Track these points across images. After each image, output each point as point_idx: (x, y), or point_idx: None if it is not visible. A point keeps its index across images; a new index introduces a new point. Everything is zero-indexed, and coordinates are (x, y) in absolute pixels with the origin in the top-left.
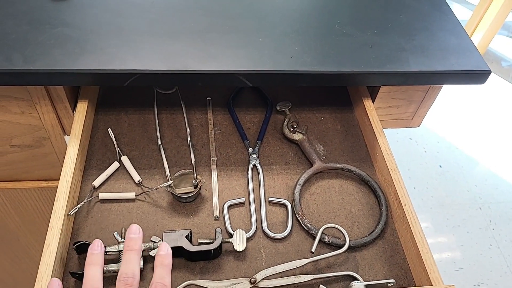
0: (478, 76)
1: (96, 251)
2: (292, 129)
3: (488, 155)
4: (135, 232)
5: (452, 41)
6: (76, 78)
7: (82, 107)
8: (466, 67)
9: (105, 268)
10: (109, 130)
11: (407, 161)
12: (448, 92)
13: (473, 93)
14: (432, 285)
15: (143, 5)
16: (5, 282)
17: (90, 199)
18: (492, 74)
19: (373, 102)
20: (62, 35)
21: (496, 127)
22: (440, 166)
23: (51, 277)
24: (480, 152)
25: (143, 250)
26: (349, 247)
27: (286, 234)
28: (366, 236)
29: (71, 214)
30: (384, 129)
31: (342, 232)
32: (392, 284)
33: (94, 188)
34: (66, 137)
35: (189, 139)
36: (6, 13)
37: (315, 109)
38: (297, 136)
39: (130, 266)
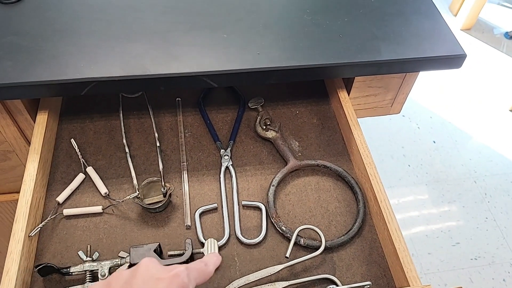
0: (453, 60)
1: None
2: (265, 127)
3: (481, 128)
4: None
5: (426, 25)
6: (29, 90)
7: (41, 118)
8: (440, 52)
9: None
10: (72, 140)
11: (401, 138)
12: None
13: (465, 65)
14: (409, 285)
15: (99, 6)
16: None
17: (53, 216)
18: (483, 44)
19: (349, 92)
20: (12, 45)
21: (489, 99)
22: (434, 142)
23: None
24: (474, 125)
25: (110, 267)
26: (326, 248)
27: (260, 239)
28: (343, 235)
29: (32, 235)
30: (366, 117)
31: (318, 233)
32: (368, 286)
33: (58, 204)
34: None
35: (157, 144)
36: None
37: (289, 103)
38: (270, 134)
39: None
